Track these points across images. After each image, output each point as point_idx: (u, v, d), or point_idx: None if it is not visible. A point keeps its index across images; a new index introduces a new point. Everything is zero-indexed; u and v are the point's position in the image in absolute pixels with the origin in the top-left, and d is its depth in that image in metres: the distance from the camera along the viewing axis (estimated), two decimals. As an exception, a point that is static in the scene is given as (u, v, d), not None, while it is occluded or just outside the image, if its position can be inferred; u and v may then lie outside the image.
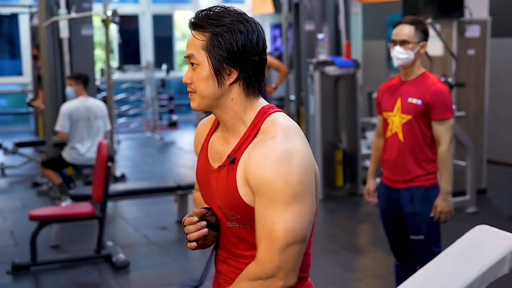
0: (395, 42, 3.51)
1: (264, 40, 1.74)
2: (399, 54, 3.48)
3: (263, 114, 1.74)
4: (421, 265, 3.66)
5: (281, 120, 1.72)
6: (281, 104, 11.36)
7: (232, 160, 1.73)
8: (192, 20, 1.72)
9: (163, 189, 6.18)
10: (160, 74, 12.54)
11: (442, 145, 3.48)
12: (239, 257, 1.81)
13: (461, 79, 6.61)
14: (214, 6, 1.72)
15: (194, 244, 1.79)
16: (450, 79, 6.45)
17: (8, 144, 9.09)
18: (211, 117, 1.89)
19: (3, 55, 13.66)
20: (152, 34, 13.91)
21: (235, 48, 1.67)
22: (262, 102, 1.77)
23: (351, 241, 5.88)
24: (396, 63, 3.53)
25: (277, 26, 13.77)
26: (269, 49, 13.57)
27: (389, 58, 8.99)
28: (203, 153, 1.86)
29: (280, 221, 1.65)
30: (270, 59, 7.96)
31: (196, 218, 1.78)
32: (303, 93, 9.11)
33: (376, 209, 3.86)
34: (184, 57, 1.78)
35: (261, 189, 1.66)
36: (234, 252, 1.82)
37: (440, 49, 6.86)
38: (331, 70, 7.09)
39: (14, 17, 13.01)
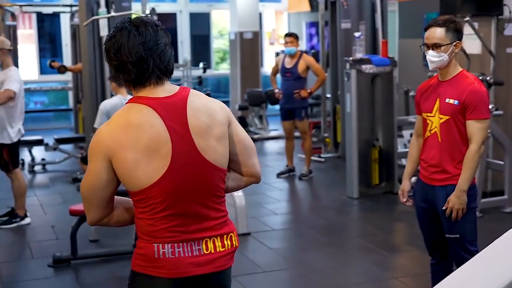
0: (427, 46, 3.52)
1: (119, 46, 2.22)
2: (433, 58, 3.49)
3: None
4: (457, 264, 3.66)
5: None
6: (317, 102, 11.38)
7: None
8: None
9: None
10: (197, 72, 12.64)
11: (473, 144, 3.47)
12: None
13: (499, 77, 6.54)
14: None
15: None
16: (488, 78, 6.39)
17: (49, 140, 9.28)
18: None
19: (45, 53, 13.92)
20: (189, 32, 14.03)
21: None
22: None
23: (387, 239, 5.88)
24: (431, 66, 3.54)
25: (313, 24, 13.76)
26: (304, 47, 13.63)
27: (425, 57, 8.89)
28: None
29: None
30: (311, 60, 7.96)
31: None
32: (340, 91, 9.11)
33: (412, 208, 3.86)
34: None
35: None
36: None
37: (478, 47, 6.80)
38: (367, 68, 7.08)
39: (55, 16, 13.25)
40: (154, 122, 2.14)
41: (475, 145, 3.46)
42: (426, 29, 3.56)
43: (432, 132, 3.58)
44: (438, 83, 3.61)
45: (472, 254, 3.56)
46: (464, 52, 6.86)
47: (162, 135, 2.14)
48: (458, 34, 3.51)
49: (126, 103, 2.24)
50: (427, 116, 3.60)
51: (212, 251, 2.23)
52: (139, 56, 2.16)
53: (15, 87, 5.94)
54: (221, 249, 2.25)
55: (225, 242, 2.27)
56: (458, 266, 3.61)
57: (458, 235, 3.56)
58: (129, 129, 2.14)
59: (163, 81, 2.23)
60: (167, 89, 2.23)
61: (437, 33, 3.48)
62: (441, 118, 3.53)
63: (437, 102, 3.55)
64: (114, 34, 2.19)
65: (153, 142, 2.12)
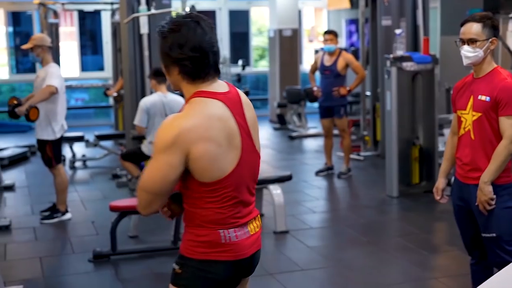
0: (463, 41, 3.47)
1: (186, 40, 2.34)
2: (468, 53, 3.45)
3: (193, 95, 2.33)
4: (494, 264, 3.60)
5: (194, 101, 2.30)
6: (357, 100, 11.30)
7: None
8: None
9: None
10: (236, 69, 12.67)
11: (504, 139, 3.42)
12: None
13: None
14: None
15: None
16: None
17: (90, 137, 9.40)
18: None
19: (86, 50, 14.11)
20: (228, 29, 14.06)
21: (168, 57, 2.37)
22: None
23: (427, 239, 5.80)
24: (465, 62, 3.50)
25: (353, 21, 13.66)
26: (344, 44, 13.55)
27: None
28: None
29: (147, 169, 2.28)
30: (351, 58, 7.90)
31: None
32: (379, 89, 9.03)
33: (452, 207, 3.81)
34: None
35: None
36: None
37: (523, 44, 6.67)
38: (408, 65, 7.00)
39: (96, 13, 13.42)
40: (229, 115, 2.29)
41: (506, 141, 3.41)
42: (462, 24, 3.51)
43: (466, 129, 3.54)
44: (472, 80, 3.57)
45: (510, 254, 3.50)
46: (508, 49, 6.74)
47: (234, 128, 2.30)
48: (494, 30, 3.46)
49: (193, 97, 2.29)
50: (461, 113, 3.57)
51: (254, 232, 2.44)
52: (203, 50, 2.28)
53: (56, 82, 6.02)
54: (257, 229, 2.47)
55: (258, 223, 2.48)
56: (495, 266, 3.56)
57: (494, 234, 3.51)
58: (212, 121, 2.25)
59: (217, 76, 2.37)
60: (222, 84, 2.37)
61: (473, 28, 3.44)
62: (474, 115, 3.48)
63: (471, 100, 3.51)
64: (178, 28, 2.26)
65: (229, 135, 2.28)
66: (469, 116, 3.51)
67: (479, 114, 3.46)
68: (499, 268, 2.79)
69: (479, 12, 3.64)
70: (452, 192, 3.75)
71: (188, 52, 2.25)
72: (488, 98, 3.43)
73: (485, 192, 3.43)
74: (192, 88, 2.30)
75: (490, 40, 3.44)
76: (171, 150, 2.20)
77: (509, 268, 2.78)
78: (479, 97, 3.46)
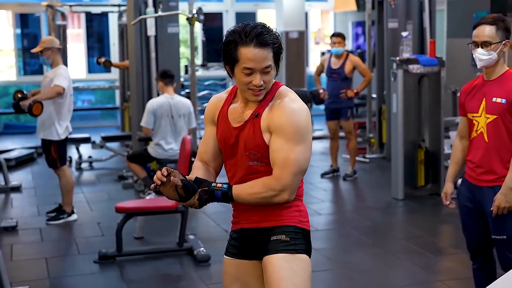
0: (476, 44, 3.47)
1: None
2: (482, 56, 3.45)
3: (276, 85, 2.59)
4: (503, 267, 3.58)
5: (289, 90, 2.59)
6: (363, 102, 11.29)
7: (257, 115, 2.54)
8: (259, 41, 2.43)
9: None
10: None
11: None
12: None
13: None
14: (253, 26, 2.46)
15: (154, 185, 2.48)
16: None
17: (96, 138, 9.42)
18: (223, 93, 2.71)
19: (93, 52, 14.14)
20: (235, 32, 14.05)
21: (281, 53, 2.53)
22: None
23: (432, 242, 5.79)
24: (479, 64, 3.49)
25: (359, 23, 13.66)
26: (350, 47, 13.53)
27: (473, 56, 8.72)
28: (223, 119, 2.62)
29: (294, 153, 2.48)
30: (358, 61, 7.91)
31: (165, 172, 2.46)
32: (386, 91, 9.02)
33: (458, 210, 3.80)
34: (254, 67, 2.47)
35: (279, 130, 2.48)
36: None
37: (530, 47, 6.65)
38: (414, 68, 6.99)
39: (104, 15, 13.45)
40: None
41: None
42: (475, 27, 3.51)
43: (479, 132, 3.52)
44: (483, 82, 3.56)
45: None
46: (515, 52, 6.73)
47: None
48: (507, 33, 3.47)
49: (278, 87, 2.59)
50: (472, 116, 3.55)
51: None
52: None
53: (64, 83, 6.04)
54: None
55: None
56: (504, 269, 3.54)
57: (505, 237, 3.49)
58: None
59: None
60: None
61: (487, 31, 3.44)
62: (488, 118, 3.47)
63: (483, 102, 3.50)
64: (281, 41, 2.56)
65: None
66: (481, 119, 3.50)
67: (494, 117, 3.45)
68: (506, 271, 2.79)
69: (492, 14, 3.63)
70: (460, 194, 3.73)
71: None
72: (504, 100, 3.43)
73: (509, 198, 3.41)
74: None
75: (504, 42, 3.44)
76: (309, 132, 2.53)
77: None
78: (494, 99, 3.45)
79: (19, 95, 6.14)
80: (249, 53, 2.43)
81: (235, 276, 2.73)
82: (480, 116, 3.51)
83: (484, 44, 3.44)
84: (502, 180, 3.45)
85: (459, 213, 3.75)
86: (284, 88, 2.58)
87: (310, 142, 2.54)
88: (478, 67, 3.52)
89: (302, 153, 2.49)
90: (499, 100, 3.44)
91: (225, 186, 2.54)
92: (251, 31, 2.43)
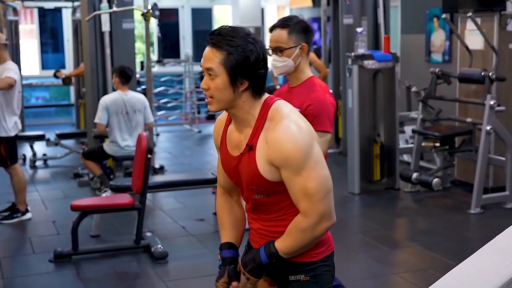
0: (272, 50, 3.14)
1: (266, 55, 2.17)
2: (276, 63, 3.12)
3: (266, 106, 2.19)
4: None
5: (282, 107, 2.20)
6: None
7: (250, 148, 2.19)
8: (211, 40, 2.14)
9: (201, 181, 6.24)
10: (199, 67, 12.62)
11: None
12: (263, 220, 2.35)
13: (502, 73, 6.53)
14: (226, 26, 2.14)
15: None
16: (490, 74, 6.38)
17: (51, 135, 9.28)
18: (225, 113, 2.32)
19: (47, 48, 13.92)
20: (191, 27, 14.01)
21: (246, 65, 2.10)
22: (265, 96, 2.22)
23: (388, 235, 5.87)
24: (275, 72, 3.17)
25: (315, 19, 13.73)
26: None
27: (428, 52, 8.91)
28: (223, 145, 2.32)
29: (310, 180, 2.14)
30: (313, 57, 7.96)
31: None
32: (341, 87, 9.10)
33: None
34: (201, 67, 2.17)
35: (285, 164, 2.12)
36: (260, 216, 2.35)
37: (481, 43, 6.78)
38: (369, 63, 7.07)
39: (57, 11, 13.25)
40: None
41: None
42: (270, 31, 3.20)
43: None
44: (288, 89, 3.26)
45: None
46: (467, 48, 6.85)
47: None
48: (305, 35, 3.14)
49: (270, 103, 2.20)
50: None
51: None
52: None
53: (15, 77, 5.92)
54: None
55: None
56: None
57: None
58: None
59: None
60: None
61: (278, 35, 3.13)
62: None
63: None
64: (256, 47, 2.13)
65: None
66: None
67: None
68: None
69: (287, 15, 3.28)
70: None
71: (266, 67, 2.18)
72: (298, 110, 3.03)
73: None
74: (258, 100, 2.20)
75: (300, 46, 3.08)
76: (315, 138, 2.20)
77: (466, 263, 2.83)
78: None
79: None
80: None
81: None
82: None
83: (277, 50, 3.10)
84: None
85: None
86: (276, 106, 2.19)
87: (320, 155, 2.18)
88: (275, 75, 3.32)
89: (319, 175, 2.16)
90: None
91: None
92: (216, 30, 2.16)
